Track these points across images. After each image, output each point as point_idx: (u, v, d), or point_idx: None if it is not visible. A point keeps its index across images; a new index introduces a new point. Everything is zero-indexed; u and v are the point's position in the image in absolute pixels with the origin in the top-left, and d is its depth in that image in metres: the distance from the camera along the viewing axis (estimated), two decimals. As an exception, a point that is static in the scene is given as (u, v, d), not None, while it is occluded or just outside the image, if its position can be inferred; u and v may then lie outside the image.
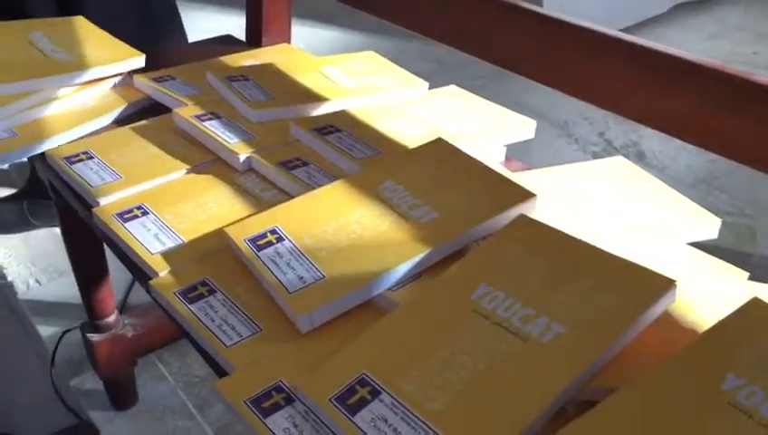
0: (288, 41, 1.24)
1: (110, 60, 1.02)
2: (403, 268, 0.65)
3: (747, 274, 0.68)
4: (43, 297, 1.60)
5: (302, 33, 2.80)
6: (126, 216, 0.76)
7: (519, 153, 0.92)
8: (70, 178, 0.84)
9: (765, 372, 0.51)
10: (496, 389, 0.53)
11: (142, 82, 1.01)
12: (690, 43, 2.89)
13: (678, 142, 0.76)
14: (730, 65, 0.69)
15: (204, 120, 0.90)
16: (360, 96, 0.99)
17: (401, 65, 1.09)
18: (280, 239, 0.68)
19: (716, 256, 0.71)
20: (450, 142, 0.82)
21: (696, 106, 0.72)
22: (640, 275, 0.60)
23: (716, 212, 0.77)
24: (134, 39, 1.09)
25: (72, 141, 0.91)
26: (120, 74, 1.03)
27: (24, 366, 1.39)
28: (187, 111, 0.92)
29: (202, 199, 0.79)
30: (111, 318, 1.25)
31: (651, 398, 0.51)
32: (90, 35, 1.10)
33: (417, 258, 0.66)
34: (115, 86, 1.03)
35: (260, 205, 0.78)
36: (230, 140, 0.86)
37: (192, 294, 0.66)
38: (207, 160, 0.86)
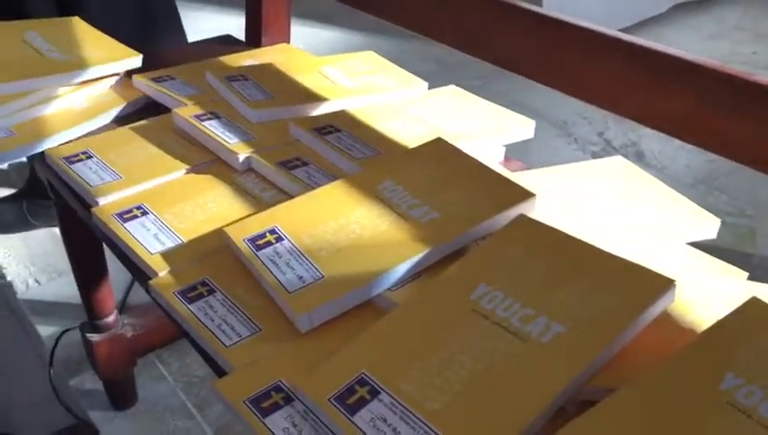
0: (287, 41, 1.24)
1: (107, 59, 1.02)
2: (402, 268, 0.65)
3: (746, 274, 0.68)
4: (42, 297, 1.60)
5: (302, 33, 2.80)
6: (125, 216, 0.76)
7: (518, 153, 0.93)
8: (69, 178, 0.84)
9: (764, 372, 0.51)
10: (496, 388, 0.53)
11: (142, 82, 1.01)
12: (689, 43, 2.89)
13: (678, 142, 0.76)
14: (729, 65, 0.69)
15: (203, 120, 0.90)
16: (359, 96, 0.99)
17: (401, 65, 1.09)
18: (279, 239, 0.68)
19: (716, 257, 0.71)
20: (450, 142, 0.82)
21: (695, 106, 0.72)
22: (640, 275, 0.60)
23: (716, 212, 0.77)
24: (134, 39, 1.09)
25: (70, 141, 0.91)
26: (117, 74, 1.03)
27: (24, 366, 1.39)
28: (186, 111, 0.92)
29: (201, 199, 0.79)
30: (111, 318, 1.25)
31: (650, 397, 0.51)
32: (85, 35, 1.10)
33: (416, 258, 0.66)
34: (112, 86, 1.03)
35: (259, 205, 0.78)
36: (230, 139, 0.86)
37: (191, 293, 0.66)
38: (207, 160, 0.86)
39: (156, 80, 1.01)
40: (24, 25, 1.11)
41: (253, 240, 0.68)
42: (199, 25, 2.26)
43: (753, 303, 0.57)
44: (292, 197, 0.77)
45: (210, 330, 0.62)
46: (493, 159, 0.88)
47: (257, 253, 0.66)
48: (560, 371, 0.53)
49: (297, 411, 0.54)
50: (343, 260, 0.65)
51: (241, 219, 0.73)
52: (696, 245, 0.73)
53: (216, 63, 1.09)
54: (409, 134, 0.89)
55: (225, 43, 1.24)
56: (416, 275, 0.67)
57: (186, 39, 1.58)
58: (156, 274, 0.69)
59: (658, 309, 0.59)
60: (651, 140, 2.23)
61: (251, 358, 0.59)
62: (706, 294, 0.64)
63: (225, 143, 0.85)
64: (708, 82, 0.70)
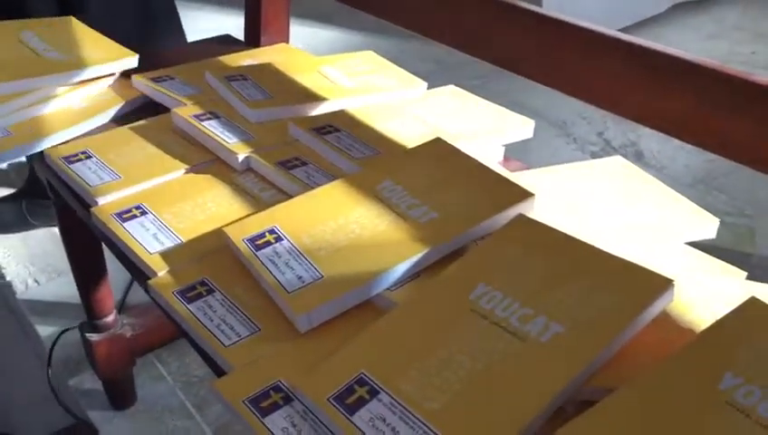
0: (287, 40, 1.24)
1: (104, 59, 1.02)
2: (402, 268, 0.65)
3: (745, 273, 0.68)
4: (41, 297, 1.60)
5: (301, 32, 2.80)
6: (124, 215, 0.76)
7: (518, 153, 0.93)
8: (68, 178, 0.84)
9: (763, 371, 0.51)
10: (495, 388, 0.53)
11: (141, 82, 1.01)
12: (688, 42, 2.89)
13: (677, 142, 0.76)
14: (728, 65, 0.69)
15: (202, 120, 0.90)
16: (358, 96, 0.99)
17: (400, 65, 1.09)
18: (278, 239, 0.68)
19: (715, 256, 0.71)
20: (449, 142, 0.82)
21: (694, 106, 0.72)
22: (638, 275, 0.60)
23: (715, 212, 0.77)
24: (133, 38, 1.09)
25: (68, 141, 0.91)
26: (114, 74, 1.03)
27: (23, 366, 1.39)
28: (185, 111, 0.92)
29: (201, 199, 0.79)
30: (110, 318, 1.25)
31: (649, 397, 0.51)
32: (82, 35, 1.10)
33: (415, 258, 0.66)
34: (110, 86, 1.03)
35: (259, 205, 0.78)
36: (229, 139, 0.86)
37: (191, 293, 0.66)
38: (206, 160, 0.86)
39: (155, 80, 1.01)
40: (20, 25, 1.11)
41: (252, 240, 0.68)
42: (198, 25, 2.27)
43: (752, 302, 0.57)
44: (291, 196, 0.77)
45: (209, 330, 0.62)
46: (492, 158, 0.88)
47: (256, 253, 0.66)
48: (559, 370, 0.53)
49: (296, 411, 0.54)
50: (342, 260, 0.66)
51: (240, 219, 0.73)
52: (695, 244, 0.73)
53: (215, 63, 1.09)
54: (409, 134, 0.89)
55: (225, 43, 1.24)
56: (415, 274, 0.67)
57: (185, 39, 1.59)
58: (155, 273, 0.69)
59: (657, 309, 0.59)
60: (650, 139, 2.23)
61: (250, 358, 0.59)
62: (705, 293, 0.64)
63: (224, 143, 0.85)
64: (707, 82, 0.70)
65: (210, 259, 0.70)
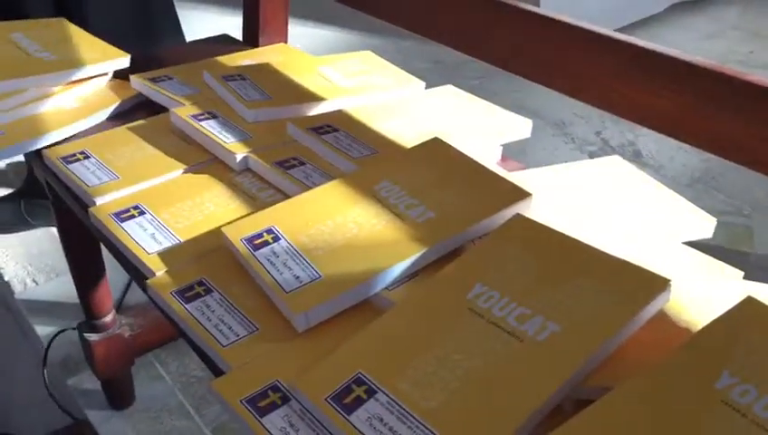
0: (285, 41, 1.24)
1: (95, 59, 1.02)
2: (399, 268, 0.65)
3: (742, 273, 0.68)
4: (40, 297, 1.60)
5: (300, 32, 2.80)
6: (123, 215, 0.76)
7: (516, 152, 0.93)
8: (66, 178, 0.84)
9: (759, 371, 0.52)
10: (492, 387, 0.53)
11: (139, 81, 1.01)
12: (686, 42, 2.89)
13: (675, 142, 0.76)
14: (726, 65, 0.69)
15: (201, 120, 0.90)
16: (356, 96, 0.99)
17: (398, 65, 1.09)
18: (276, 239, 0.68)
19: (713, 256, 0.71)
20: (446, 142, 0.83)
21: (692, 106, 0.72)
22: (635, 275, 0.61)
23: (713, 211, 0.77)
24: (131, 38, 1.10)
25: (63, 140, 0.91)
26: (107, 74, 1.04)
27: (22, 366, 1.40)
28: (183, 111, 0.92)
29: (199, 199, 0.79)
30: (109, 318, 1.25)
31: (646, 397, 0.51)
32: (73, 36, 1.10)
33: (413, 258, 0.66)
34: (103, 86, 1.03)
35: (257, 204, 0.78)
36: (227, 139, 0.86)
37: (189, 293, 0.66)
38: (204, 160, 0.86)
39: (153, 80, 1.01)
40: (10, 26, 1.11)
41: (250, 240, 0.68)
42: (197, 25, 2.26)
43: (749, 302, 0.57)
44: (289, 196, 0.77)
45: (207, 330, 0.62)
46: (490, 158, 0.88)
47: (254, 253, 0.67)
48: (555, 370, 0.53)
49: (294, 411, 0.54)
50: (340, 260, 0.66)
51: (238, 219, 0.73)
52: (692, 244, 0.74)
53: (213, 63, 1.09)
54: (407, 134, 0.89)
55: (223, 43, 1.24)
56: (413, 274, 0.67)
57: (183, 38, 1.59)
58: (153, 273, 0.69)
59: (654, 308, 0.59)
60: (648, 139, 2.23)
61: (248, 358, 0.59)
62: (702, 293, 0.64)
63: (222, 143, 0.85)
64: (705, 82, 0.70)
65: (208, 259, 0.70)
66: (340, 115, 0.92)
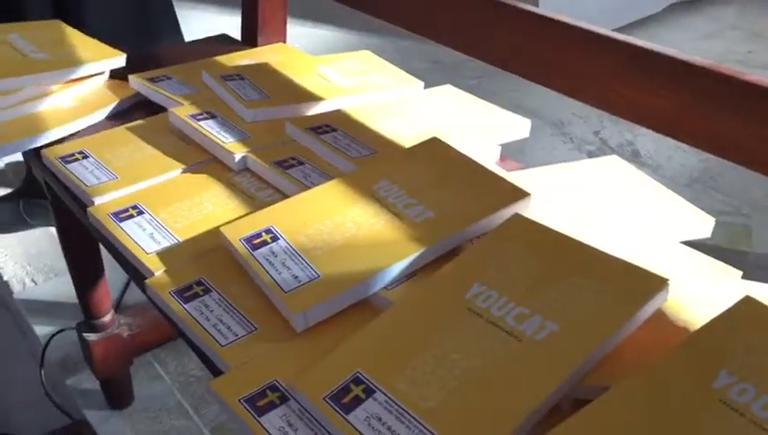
0: (284, 40, 1.24)
1: (91, 59, 1.02)
2: (398, 267, 0.65)
3: (740, 272, 0.68)
4: (39, 297, 1.60)
5: (298, 32, 2.80)
6: (121, 215, 0.76)
7: (514, 152, 0.93)
8: (65, 178, 0.84)
9: (757, 370, 0.52)
10: (490, 387, 0.53)
11: (137, 81, 1.01)
12: (685, 42, 2.89)
13: (673, 141, 0.76)
14: (725, 65, 0.69)
15: (199, 120, 0.90)
16: (355, 95, 0.99)
17: (397, 64, 1.09)
18: (275, 239, 0.68)
19: (712, 256, 0.71)
20: (445, 142, 0.83)
21: (690, 106, 0.72)
22: (633, 274, 0.61)
23: (712, 211, 0.77)
24: (130, 37, 1.10)
25: (61, 139, 0.91)
26: (104, 73, 1.04)
27: (21, 366, 1.39)
28: (182, 111, 0.92)
29: (197, 199, 0.79)
30: (107, 318, 1.25)
31: (644, 396, 0.51)
32: (68, 37, 1.10)
33: (411, 257, 0.66)
34: (100, 85, 1.03)
35: (255, 204, 0.78)
36: (225, 139, 0.86)
37: (187, 293, 0.66)
38: (203, 160, 0.86)
39: (152, 80, 1.01)
40: (6, 28, 1.11)
41: (248, 240, 0.68)
42: (195, 25, 2.26)
43: (747, 301, 0.57)
44: (287, 196, 0.77)
45: (206, 329, 0.62)
46: (488, 158, 0.88)
47: (253, 252, 0.67)
48: (554, 369, 0.53)
49: (293, 411, 0.54)
50: (339, 259, 0.66)
51: (237, 219, 0.73)
52: (691, 244, 0.74)
53: (212, 63, 1.09)
54: (405, 134, 0.89)
55: (222, 43, 1.24)
56: (411, 274, 0.67)
57: (182, 37, 1.59)
58: (152, 273, 0.69)
59: (652, 308, 0.59)
60: (647, 139, 2.23)
61: (247, 357, 0.60)
62: (700, 292, 0.65)
63: (220, 143, 0.85)
64: (704, 82, 0.70)
65: (207, 259, 0.70)
66: (338, 115, 0.92)
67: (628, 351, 0.57)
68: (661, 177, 2.04)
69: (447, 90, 1.04)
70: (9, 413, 1.28)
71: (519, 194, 0.74)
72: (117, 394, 1.35)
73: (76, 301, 1.24)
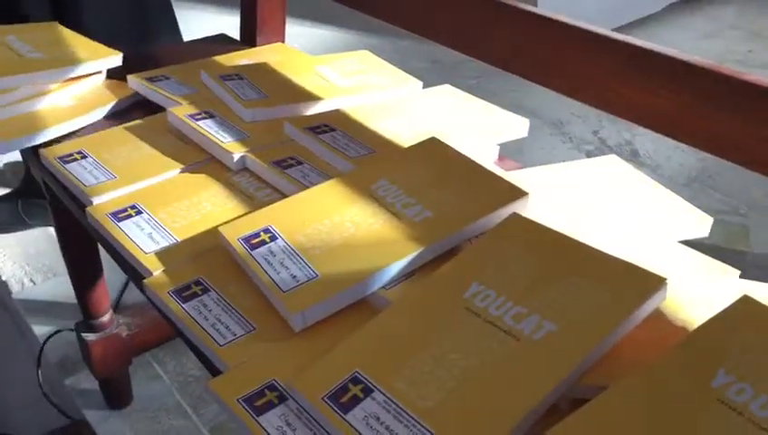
0: (282, 40, 1.24)
1: (87, 58, 1.02)
2: (396, 267, 0.65)
3: (738, 272, 0.68)
4: (37, 297, 1.60)
5: (297, 32, 2.80)
6: (120, 215, 0.76)
7: (513, 152, 0.93)
8: (64, 178, 0.84)
9: (755, 369, 0.52)
10: (488, 386, 0.53)
11: (136, 81, 1.01)
12: (684, 42, 2.90)
13: (672, 141, 0.76)
14: (724, 64, 0.70)
15: (198, 120, 0.90)
16: (354, 95, 0.99)
17: (396, 64, 1.09)
18: (273, 238, 0.68)
19: (710, 255, 0.71)
20: (444, 141, 0.83)
21: (689, 106, 0.72)
22: (632, 274, 0.61)
23: (710, 210, 0.77)
24: (128, 37, 1.10)
25: (61, 139, 0.91)
26: (101, 72, 1.04)
27: (20, 366, 1.39)
28: (181, 111, 0.92)
29: (196, 199, 0.79)
30: (106, 317, 1.25)
31: (642, 395, 0.51)
32: (65, 38, 1.10)
33: (410, 257, 0.66)
34: (98, 85, 1.03)
35: (254, 204, 0.78)
36: (224, 139, 0.86)
37: (186, 293, 0.66)
38: (201, 160, 0.86)
39: (150, 79, 1.01)
40: (3, 30, 1.11)
41: (247, 239, 0.68)
42: (194, 24, 2.26)
43: (745, 300, 0.57)
44: (286, 196, 0.77)
45: (204, 329, 0.62)
46: (487, 158, 0.88)
47: (251, 252, 0.67)
48: (551, 369, 0.53)
49: (291, 410, 0.54)
50: (337, 259, 0.66)
51: (235, 219, 0.73)
52: (689, 243, 0.74)
53: (210, 63, 1.09)
54: (404, 133, 0.89)
55: (220, 43, 1.24)
56: (409, 273, 0.67)
57: (180, 37, 1.59)
58: (150, 273, 0.69)
59: (650, 307, 0.59)
60: (645, 139, 2.23)
61: (245, 357, 0.60)
62: (698, 292, 0.65)
63: (219, 142, 0.85)
64: (703, 82, 0.70)
65: (205, 259, 0.70)
66: (337, 115, 0.92)
67: (626, 350, 0.57)
68: (660, 176, 2.05)
69: (446, 90, 1.04)
70: (8, 413, 1.28)
71: (517, 193, 0.74)
72: (116, 394, 1.35)
73: (75, 301, 1.24)
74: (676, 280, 0.62)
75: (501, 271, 0.63)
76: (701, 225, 0.76)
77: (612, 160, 0.87)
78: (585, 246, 0.64)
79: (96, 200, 0.79)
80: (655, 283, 0.59)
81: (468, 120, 0.95)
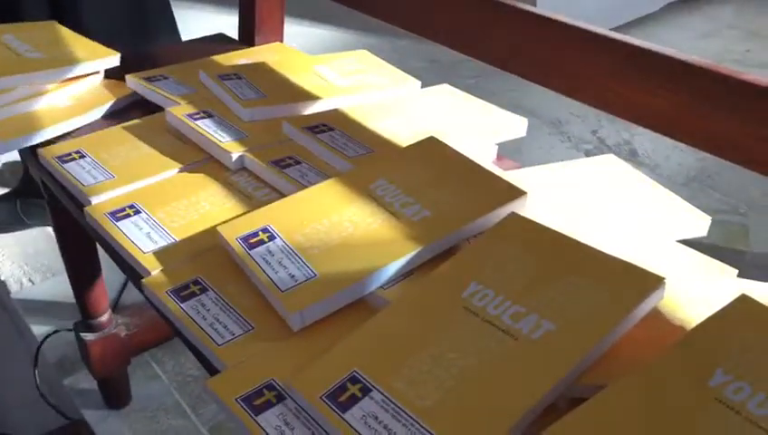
0: (281, 40, 1.24)
1: (85, 58, 1.02)
2: (394, 266, 0.65)
3: (736, 271, 0.69)
4: (36, 296, 1.60)
5: (295, 31, 2.80)
6: (118, 215, 0.76)
7: (512, 151, 0.93)
8: (62, 178, 0.84)
9: (753, 368, 0.52)
10: (486, 386, 0.53)
11: (134, 81, 1.01)
12: (682, 41, 2.90)
13: (670, 141, 0.76)
14: (723, 64, 0.70)
15: (196, 119, 0.90)
16: (352, 95, 0.99)
17: (394, 64, 1.09)
18: (272, 238, 0.68)
19: (709, 254, 0.71)
20: (442, 141, 0.83)
21: (688, 105, 0.72)
22: (630, 273, 0.61)
23: (709, 210, 0.77)
24: (127, 36, 1.09)
25: (59, 138, 0.91)
26: (99, 72, 1.03)
27: (18, 366, 1.39)
28: (179, 110, 0.92)
29: (194, 198, 0.79)
30: (105, 317, 1.25)
31: (640, 394, 0.51)
32: (63, 37, 1.10)
33: (408, 256, 0.66)
34: (96, 85, 1.03)
35: (252, 204, 0.78)
36: (222, 138, 0.86)
37: (184, 292, 0.66)
38: (200, 159, 0.86)
39: (149, 79, 1.01)
40: (1, 29, 1.11)
41: (245, 239, 0.68)
42: (193, 24, 2.26)
43: (743, 300, 0.57)
44: (284, 195, 0.77)
45: (203, 329, 0.62)
46: (485, 157, 0.88)
47: (250, 252, 0.67)
48: (550, 368, 0.53)
49: (289, 409, 0.54)
50: (336, 258, 0.66)
51: (234, 218, 0.73)
52: (688, 242, 0.74)
53: (209, 63, 1.09)
54: (402, 133, 0.89)
55: (219, 42, 1.24)
56: (408, 273, 0.67)
57: (179, 37, 1.59)
58: (148, 273, 0.69)
59: (648, 306, 0.59)
60: (644, 138, 2.23)
61: (243, 356, 0.60)
62: (696, 291, 0.65)
63: (217, 142, 0.85)
64: (701, 81, 0.70)
65: (204, 258, 0.70)
66: (335, 114, 0.92)
67: (624, 349, 0.57)
68: (658, 176, 2.05)
69: (444, 89, 1.04)
70: (6, 413, 1.28)
71: (515, 193, 0.74)
72: (114, 394, 1.35)
73: (73, 301, 1.24)
74: (674, 279, 0.62)
75: (499, 270, 0.63)
76: (699, 224, 0.76)
77: (611, 160, 0.87)
78: (583, 245, 0.65)
79: (94, 200, 0.79)
80: (653, 282, 0.59)
81: (467, 119, 0.95)
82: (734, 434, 0.48)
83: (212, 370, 0.61)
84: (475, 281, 0.62)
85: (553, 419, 0.50)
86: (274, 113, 0.93)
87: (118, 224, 0.75)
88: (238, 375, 0.57)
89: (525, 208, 0.74)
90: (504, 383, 0.53)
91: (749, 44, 2.90)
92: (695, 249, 0.72)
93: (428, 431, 0.50)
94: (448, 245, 0.70)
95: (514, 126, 0.94)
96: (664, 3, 3.17)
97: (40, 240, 1.76)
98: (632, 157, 2.16)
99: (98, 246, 1.05)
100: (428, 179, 0.76)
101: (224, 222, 0.72)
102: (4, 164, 2.00)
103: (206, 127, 0.89)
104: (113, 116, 0.98)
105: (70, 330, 1.28)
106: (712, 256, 0.71)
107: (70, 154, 0.86)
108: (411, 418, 0.51)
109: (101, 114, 0.98)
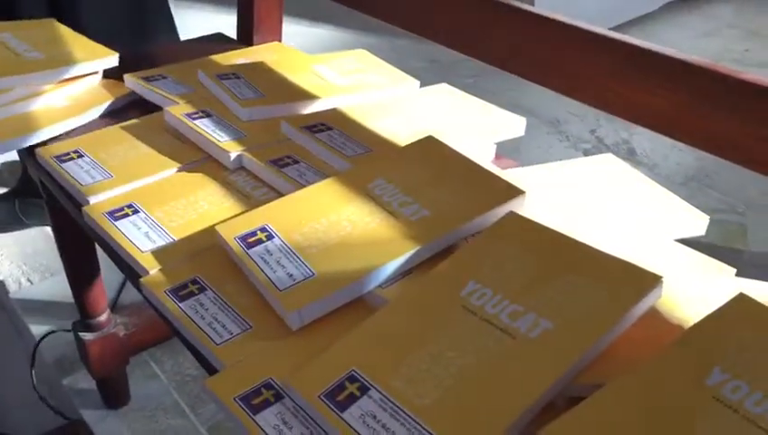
0: (279, 39, 1.24)
1: (84, 58, 1.02)
2: (393, 265, 0.65)
3: (734, 270, 0.69)
4: (34, 296, 1.59)
5: (294, 31, 2.80)
6: (116, 214, 0.76)
7: (510, 151, 0.93)
8: (60, 177, 0.84)
9: (750, 367, 0.52)
10: (485, 384, 0.53)
11: (133, 80, 1.01)
12: (682, 41, 2.90)
13: (669, 140, 0.76)
14: (722, 63, 0.70)
15: (195, 119, 0.90)
16: (351, 94, 0.99)
17: (393, 63, 1.09)
18: (270, 237, 0.68)
19: (707, 254, 0.71)
20: (441, 140, 0.83)
21: (687, 105, 0.72)
22: (628, 272, 0.61)
23: (707, 209, 0.77)
24: (125, 36, 1.09)
25: (57, 138, 0.91)
26: (97, 73, 1.03)
27: (17, 366, 1.39)
28: (178, 110, 0.92)
29: (193, 198, 0.79)
30: (103, 317, 1.25)
31: (637, 393, 0.51)
32: (61, 36, 1.10)
33: (406, 255, 0.66)
34: (93, 85, 1.03)
35: (250, 203, 0.78)
36: (221, 138, 0.86)
37: (182, 292, 0.66)
38: (198, 159, 0.86)
39: (147, 79, 1.01)
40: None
41: (243, 238, 0.68)
42: (191, 23, 2.26)
43: (741, 299, 0.58)
44: (283, 195, 0.77)
45: (201, 328, 0.62)
46: (484, 156, 0.88)
47: (248, 251, 0.67)
48: (548, 367, 0.53)
49: (288, 408, 0.54)
50: (334, 258, 0.66)
51: (232, 217, 0.73)
52: (687, 242, 0.74)
53: (207, 62, 1.09)
54: (401, 132, 0.89)
55: (217, 42, 1.24)
56: (406, 272, 0.67)
57: (177, 36, 1.59)
58: (147, 272, 0.69)
59: (646, 305, 0.59)
60: (643, 138, 2.24)
61: (242, 356, 0.60)
62: (694, 290, 0.65)
63: (216, 141, 0.85)
64: (700, 81, 0.70)
65: (202, 257, 0.70)
66: (334, 114, 0.92)
67: (622, 348, 0.57)
68: (657, 175, 2.05)
69: (443, 88, 1.04)
70: (5, 413, 1.28)
71: (514, 192, 0.74)
72: (113, 394, 1.35)
73: (72, 300, 1.24)
74: (672, 278, 0.62)
75: (497, 269, 0.63)
76: (697, 223, 0.76)
77: (609, 159, 0.87)
78: (582, 244, 0.65)
79: (93, 199, 0.79)
80: (651, 281, 0.59)
81: (465, 119, 0.95)
82: (732, 432, 0.48)
83: (210, 369, 0.61)
84: (474, 280, 0.62)
85: (552, 417, 0.50)
86: (273, 113, 0.93)
87: (116, 223, 0.75)
88: (237, 374, 0.57)
89: (524, 208, 0.74)
90: (503, 382, 0.53)
91: (748, 44, 2.90)
92: (693, 248, 0.72)
93: (427, 430, 0.50)
94: (447, 244, 0.70)
95: (513, 125, 0.94)
96: (663, 2, 3.17)
97: (38, 240, 1.76)
98: (631, 156, 2.16)
99: (96, 245, 1.05)
100: (427, 179, 0.76)
101: (222, 221, 0.72)
102: (2, 164, 2.00)
103: (205, 126, 0.89)
104: (111, 115, 0.98)
105: (68, 330, 1.28)
106: (710, 256, 0.71)
107: (68, 154, 0.86)
108: (410, 417, 0.51)
109: (100, 114, 0.98)
